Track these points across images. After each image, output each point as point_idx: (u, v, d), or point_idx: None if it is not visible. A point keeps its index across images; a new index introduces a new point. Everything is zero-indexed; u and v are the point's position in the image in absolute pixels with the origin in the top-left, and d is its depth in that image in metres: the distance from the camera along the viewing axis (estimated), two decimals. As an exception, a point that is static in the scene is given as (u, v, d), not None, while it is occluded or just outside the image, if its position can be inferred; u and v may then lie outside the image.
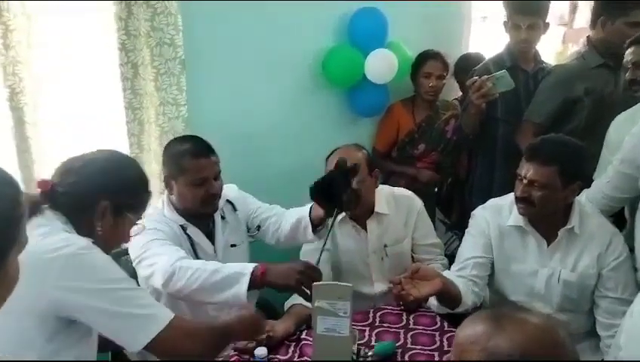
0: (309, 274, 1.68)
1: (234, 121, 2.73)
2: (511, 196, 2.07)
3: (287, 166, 2.96)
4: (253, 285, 1.69)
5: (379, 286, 2.34)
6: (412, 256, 2.40)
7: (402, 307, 2.12)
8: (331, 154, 2.26)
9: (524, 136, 2.59)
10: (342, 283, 1.64)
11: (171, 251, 1.82)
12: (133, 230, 1.55)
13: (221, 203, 2.09)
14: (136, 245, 1.87)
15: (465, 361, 0.98)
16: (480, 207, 2.19)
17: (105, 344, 1.50)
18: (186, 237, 2.00)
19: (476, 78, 2.51)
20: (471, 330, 1.00)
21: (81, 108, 2.41)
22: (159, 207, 2.04)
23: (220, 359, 1.86)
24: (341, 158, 1.90)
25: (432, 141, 3.07)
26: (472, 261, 2.08)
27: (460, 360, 1.00)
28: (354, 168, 1.87)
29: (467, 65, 3.01)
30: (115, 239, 1.48)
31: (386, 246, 2.32)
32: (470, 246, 2.12)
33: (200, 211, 2.00)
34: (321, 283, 1.62)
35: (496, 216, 2.11)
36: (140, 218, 1.59)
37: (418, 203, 2.40)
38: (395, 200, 2.36)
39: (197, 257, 1.98)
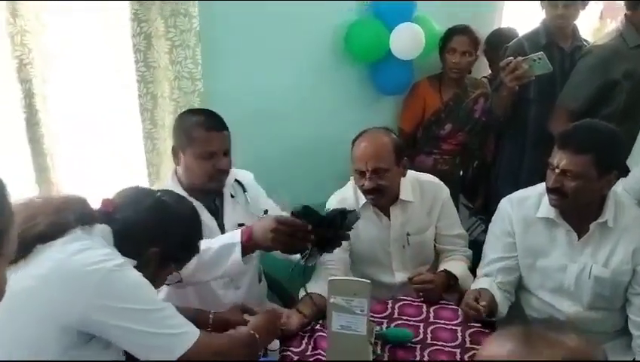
0: (283, 229, 1.60)
1: (252, 98, 2.64)
2: (541, 186, 1.96)
3: (307, 144, 2.88)
4: (245, 251, 1.66)
5: (399, 276, 2.25)
6: (435, 246, 2.32)
7: (422, 299, 2.05)
8: (358, 137, 2.15)
9: (558, 122, 2.43)
10: (359, 279, 1.54)
11: None
12: (169, 278, 1.53)
13: (229, 181, 2.03)
14: None
15: None
16: (506, 198, 2.07)
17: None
18: None
19: (511, 58, 2.36)
20: (498, 349, 0.91)
21: (91, 82, 2.33)
22: (167, 185, 1.95)
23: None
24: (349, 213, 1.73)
25: (459, 121, 2.93)
26: (497, 265, 2.03)
27: None
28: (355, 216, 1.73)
29: (499, 42, 2.85)
30: (150, 281, 1.42)
31: (408, 234, 2.22)
32: (493, 246, 2.06)
33: (205, 186, 1.94)
34: (337, 278, 1.53)
35: (522, 207, 2.00)
36: (180, 269, 1.57)
37: (444, 191, 2.29)
38: (420, 187, 2.25)
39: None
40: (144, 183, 2.49)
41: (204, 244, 1.68)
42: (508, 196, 2.07)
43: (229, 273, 1.73)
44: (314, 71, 2.80)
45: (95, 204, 1.44)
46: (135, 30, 2.21)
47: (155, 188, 1.93)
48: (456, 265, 2.19)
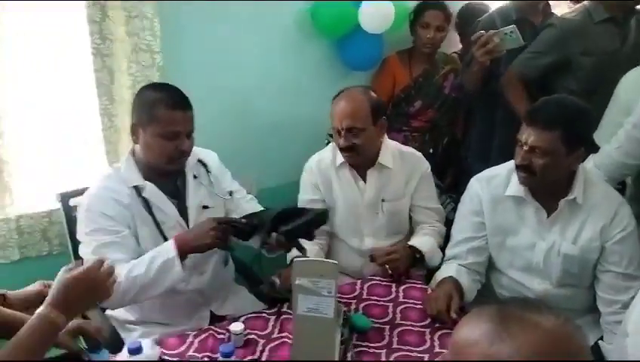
0: (223, 228, 1.71)
1: (216, 73, 2.54)
2: (510, 164, 1.93)
3: (275, 122, 2.83)
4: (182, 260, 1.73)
5: (369, 242, 2.23)
6: (410, 217, 2.30)
7: (391, 275, 2.03)
8: (337, 95, 2.14)
9: (508, 86, 2.43)
10: (326, 260, 1.49)
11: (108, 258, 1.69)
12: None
13: (192, 162, 1.94)
14: (81, 224, 1.82)
15: None
16: (475, 177, 2.05)
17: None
18: (140, 200, 1.83)
19: (482, 32, 2.31)
20: (471, 331, 0.86)
21: (44, 54, 2.21)
22: (119, 166, 1.88)
23: (194, 332, 1.74)
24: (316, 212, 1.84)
25: (429, 97, 2.89)
26: (466, 246, 2.00)
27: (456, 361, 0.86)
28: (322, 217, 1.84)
29: (470, 17, 2.81)
30: None
31: (383, 200, 2.20)
32: (462, 226, 2.04)
33: (164, 167, 1.83)
34: (302, 259, 1.47)
35: (491, 186, 1.97)
36: None
37: (425, 164, 2.28)
38: (401, 157, 2.24)
39: (154, 219, 1.84)
40: (102, 162, 2.38)
41: (139, 267, 1.71)
42: (476, 175, 2.04)
43: (173, 285, 1.76)
44: (280, 46, 2.72)
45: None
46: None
47: (112, 169, 1.86)
48: (425, 241, 2.17)
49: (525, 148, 1.78)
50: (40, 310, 1.16)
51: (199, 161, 1.98)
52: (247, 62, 2.64)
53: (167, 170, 1.85)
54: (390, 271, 2.02)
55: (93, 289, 1.24)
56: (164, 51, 2.26)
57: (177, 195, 1.91)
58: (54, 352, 1.40)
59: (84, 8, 2.11)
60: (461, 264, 1.99)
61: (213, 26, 2.49)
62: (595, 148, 2.18)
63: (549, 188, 1.86)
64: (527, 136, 1.77)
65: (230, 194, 2.06)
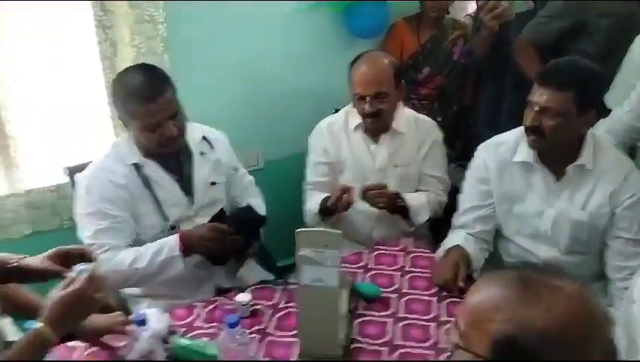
0: (218, 237, 1.79)
1: (220, 43, 2.51)
2: (518, 130, 1.90)
3: (282, 93, 2.80)
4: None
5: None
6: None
7: (400, 247, 2.04)
8: (357, 60, 2.12)
9: (521, 52, 2.38)
10: (329, 230, 1.47)
11: (104, 249, 1.76)
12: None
13: (197, 139, 1.93)
14: (80, 205, 1.82)
15: (488, 333, 0.79)
16: (482, 144, 2.02)
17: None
18: (139, 178, 1.82)
19: None
20: (492, 294, 0.82)
21: (48, 29, 2.20)
22: (119, 142, 1.87)
23: (202, 302, 1.76)
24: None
25: (437, 63, 2.83)
26: (473, 215, 1.99)
27: (471, 330, 0.82)
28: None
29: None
30: None
31: (396, 166, 2.20)
32: (469, 195, 2.03)
33: (159, 151, 1.82)
34: (305, 229, 1.46)
35: (498, 152, 1.94)
36: None
37: (438, 133, 2.27)
38: (415, 123, 2.23)
39: (154, 198, 1.83)
40: (110, 135, 2.39)
41: (144, 258, 1.76)
42: (484, 142, 2.01)
43: (174, 277, 1.82)
44: (285, 15, 2.67)
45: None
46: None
47: (111, 147, 1.87)
48: (415, 196, 2.17)
49: (536, 108, 1.74)
50: (36, 326, 1.20)
51: (204, 137, 1.96)
52: (252, 33, 2.60)
53: (165, 151, 1.83)
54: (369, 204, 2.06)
55: (85, 305, 1.26)
56: (168, 22, 2.23)
57: (180, 172, 1.90)
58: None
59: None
60: (469, 233, 1.97)
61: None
62: (605, 113, 2.14)
63: (557, 153, 1.82)
64: (539, 96, 1.73)
65: (235, 170, 2.08)
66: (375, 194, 2.04)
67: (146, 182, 1.82)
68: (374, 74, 2.04)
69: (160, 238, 1.82)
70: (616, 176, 1.82)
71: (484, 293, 0.84)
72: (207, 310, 1.73)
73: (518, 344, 0.77)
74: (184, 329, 1.65)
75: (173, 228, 1.85)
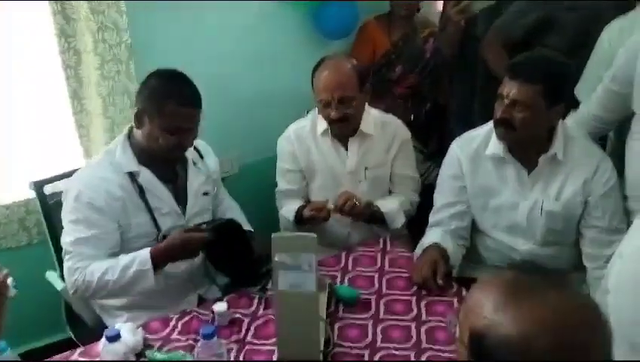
0: (191, 238, 1.73)
1: (187, 48, 2.46)
2: (488, 125, 1.91)
3: (252, 95, 2.76)
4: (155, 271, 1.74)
5: None
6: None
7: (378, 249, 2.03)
8: (318, 65, 2.09)
9: (490, 47, 2.37)
10: (304, 234, 1.44)
11: (82, 257, 1.74)
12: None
13: (191, 148, 1.90)
14: (66, 212, 1.78)
15: (469, 324, 0.86)
16: (455, 140, 2.02)
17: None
18: (134, 187, 1.79)
19: None
20: (482, 294, 0.87)
21: (8, 38, 2.13)
22: (112, 149, 1.81)
23: (177, 315, 1.72)
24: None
25: (410, 62, 2.82)
26: (448, 211, 1.99)
27: (462, 321, 0.89)
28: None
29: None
30: None
31: (366, 168, 2.19)
32: (443, 191, 2.03)
33: (164, 156, 1.80)
34: (280, 234, 1.44)
35: (470, 147, 1.95)
36: None
37: (406, 133, 2.26)
38: (382, 124, 2.21)
39: (148, 207, 1.80)
40: (76, 147, 2.32)
41: (115, 271, 1.71)
42: (456, 138, 2.02)
43: (141, 292, 1.79)
44: (253, 17, 2.64)
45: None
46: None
47: (104, 154, 1.83)
48: (388, 201, 2.17)
49: (506, 101, 1.75)
50: None
51: (195, 147, 1.94)
52: (221, 36, 2.57)
53: (166, 159, 1.82)
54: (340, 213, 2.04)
55: None
56: (132, 28, 2.18)
57: (174, 180, 1.88)
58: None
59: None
60: (445, 230, 1.96)
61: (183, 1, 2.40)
62: (575, 105, 2.14)
63: (528, 144, 1.83)
64: (509, 89, 1.74)
65: (223, 180, 2.08)
66: (348, 208, 2.02)
67: (141, 191, 1.79)
68: (338, 79, 2.01)
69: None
70: (587, 165, 1.84)
71: (478, 291, 0.89)
72: (182, 322, 1.69)
73: (484, 343, 0.82)
74: (160, 343, 1.60)
75: (164, 238, 1.80)
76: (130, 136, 1.83)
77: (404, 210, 2.19)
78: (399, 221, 2.15)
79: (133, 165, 1.79)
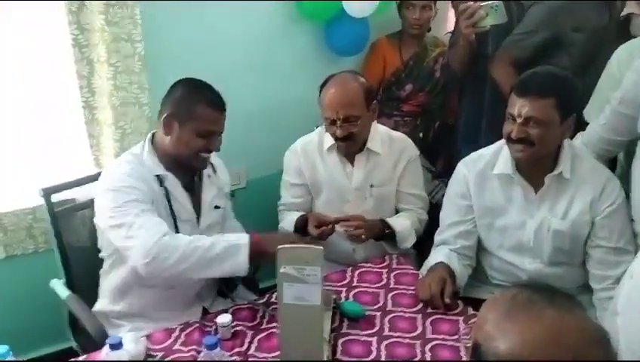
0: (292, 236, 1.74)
1: (199, 61, 2.48)
2: (497, 144, 1.92)
3: (262, 109, 2.78)
4: (250, 255, 1.66)
5: None
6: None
7: (384, 264, 2.02)
8: (326, 82, 2.09)
9: (499, 66, 2.36)
10: (311, 246, 1.44)
11: (153, 224, 1.67)
12: None
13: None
14: (108, 202, 1.71)
15: (474, 338, 0.88)
16: (462, 160, 2.02)
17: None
18: (162, 190, 1.81)
19: (470, 3, 2.26)
20: (487, 309, 0.89)
21: (23, 48, 2.16)
22: (137, 153, 1.84)
23: (180, 326, 1.71)
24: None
25: (420, 81, 2.84)
26: (455, 230, 1.98)
27: (472, 337, 0.90)
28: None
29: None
30: None
31: (372, 186, 2.18)
32: (450, 211, 2.02)
33: (190, 163, 1.83)
34: (286, 246, 1.42)
35: (477, 167, 1.94)
36: None
37: (413, 151, 2.25)
38: (390, 141, 2.21)
39: (172, 212, 1.82)
40: (87, 157, 2.34)
41: (207, 240, 1.67)
42: (463, 159, 2.02)
43: (231, 273, 1.71)
44: (265, 32, 2.66)
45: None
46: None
47: (129, 155, 1.84)
48: (400, 220, 2.16)
49: (519, 120, 1.74)
50: None
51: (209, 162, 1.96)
52: (232, 50, 2.59)
53: (191, 166, 1.85)
54: (349, 237, 2.03)
55: None
56: (146, 40, 2.21)
57: (192, 190, 1.91)
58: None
59: (62, -1, 2.06)
60: (451, 249, 1.95)
61: (196, 13, 2.43)
62: (583, 127, 2.14)
63: (536, 163, 1.83)
64: (521, 107, 1.73)
65: (232, 195, 2.09)
66: (353, 227, 2.01)
67: (167, 195, 1.81)
68: (343, 97, 2.01)
69: None
70: (594, 184, 1.83)
71: (486, 305, 0.91)
72: (185, 333, 1.68)
73: (479, 352, 0.84)
74: (162, 354, 1.59)
75: None
76: (152, 142, 1.85)
77: (414, 229, 2.18)
78: (411, 240, 2.15)
79: (160, 169, 1.82)
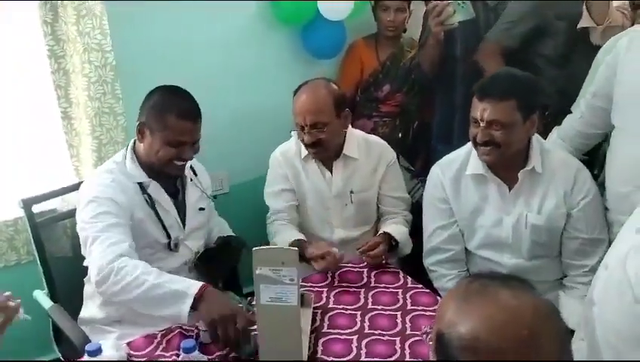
0: (230, 326, 1.52)
1: (171, 66, 2.47)
2: (467, 146, 1.95)
3: (240, 115, 2.79)
4: (193, 306, 1.56)
5: (339, 233, 2.22)
6: (377, 207, 2.29)
7: (364, 264, 2.02)
8: (298, 89, 2.11)
9: (489, 56, 2.39)
10: (286, 248, 1.46)
11: (112, 243, 1.66)
12: None
13: (188, 165, 1.95)
14: (82, 214, 1.74)
15: (436, 329, 0.90)
16: (435, 164, 2.06)
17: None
18: (145, 197, 1.83)
19: (437, 2, 2.29)
20: (445, 300, 0.92)
21: (2, 60, 2.17)
22: (119, 161, 1.85)
23: (162, 331, 1.71)
24: (232, 239, 1.97)
25: (398, 81, 2.86)
26: (441, 236, 2.01)
27: (434, 329, 0.92)
28: (238, 250, 1.90)
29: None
30: None
31: (352, 192, 2.18)
32: (432, 216, 2.05)
33: (163, 170, 1.85)
34: (261, 248, 1.44)
35: (451, 170, 1.98)
36: None
37: (391, 154, 2.26)
38: (366, 146, 2.22)
39: (158, 218, 1.84)
40: (68, 167, 2.34)
41: (157, 277, 1.60)
42: (437, 162, 2.05)
43: (168, 318, 1.63)
44: (241, 37, 2.67)
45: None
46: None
47: (112, 163, 1.86)
48: (398, 230, 2.16)
49: (482, 124, 1.78)
50: None
51: (190, 166, 1.98)
52: (208, 56, 2.60)
53: (165, 173, 1.86)
54: (383, 261, 2.02)
55: None
56: (117, 49, 2.21)
57: (176, 195, 1.93)
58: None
59: (37, 8, 2.06)
60: (444, 257, 2.00)
61: (169, 20, 2.43)
62: (560, 122, 2.17)
63: (507, 161, 1.86)
64: (482, 111, 1.77)
65: (215, 198, 2.10)
66: (373, 256, 1.99)
67: (151, 202, 1.83)
68: (311, 104, 2.03)
69: (160, 258, 1.84)
70: (565, 176, 1.87)
71: (444, 298, 0.95)
72: (167, 338, 1.68)
73: (443, 341, 0.85)
74: (144, 360, 1.60)
75: (176, 246, 1.88)
76: (134, 150, 1.87)
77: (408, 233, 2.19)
78: (409, 247, 2.16)
79: (143, 176, 1.83)
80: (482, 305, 0.85)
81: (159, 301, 1.58)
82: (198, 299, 1.55)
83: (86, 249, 1.73)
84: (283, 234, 2.11)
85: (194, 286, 1.58)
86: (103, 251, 1.64)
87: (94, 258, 1.66)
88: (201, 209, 1.99)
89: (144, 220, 1.82)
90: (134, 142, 1.88)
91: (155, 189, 1.85)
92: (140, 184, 1.83)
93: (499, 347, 0.80)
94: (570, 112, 2.13)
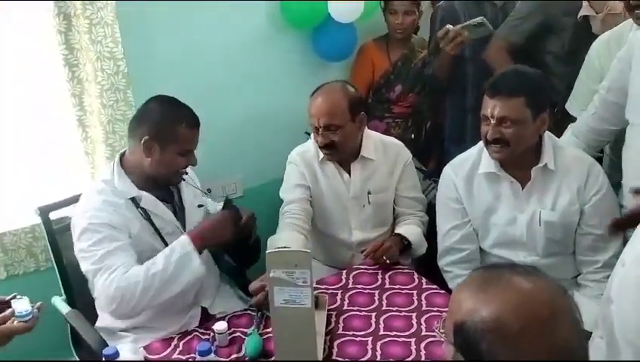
0: (239, 221, 1.80)
1: (186, 75, 2.50)
2: (478, 146, 1.95)
3: (252, 119, 2.79)
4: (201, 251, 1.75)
5: (357, 235, 2.22)
6: (394, 208, 2.28)
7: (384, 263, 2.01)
8: (315, 91, 2.13)
9: (497, 53, 2.40)
10: (299, 250, 1.47)
11: (113, 270, 1.68)
12: None
13: None
14: (80, 244, 1.76)
15: (452, 321, 0.91)
16: (448, 164, 2.05)
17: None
18: (139, 211, 1.82)
19: (448, 27, 2.32)
20: (458, 292, 0.94)
21: (19, 68, 2.20)
22: (108, 179, 1.84)
23: (178, 335, 1.73)
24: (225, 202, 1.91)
25: (409, 81, 2.86)
26: (455, 236, 2.00)
27: (448, 322, 0.93)
28: (245, 228, 1.89)
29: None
30: None
31: (369, 193, 2.19)
32: (445, 216, 2.04)
33: (169, 180, 1.88)
34: (274, 250, 1.45)
35: (463, 169, 1.98)
36: None
37: (407, 154, 2.27)
38: (383, 147, 2.23)
39: (154, 227, 1.83)
40: (82, 174, 2.37)
41: (156, 265, 1.70)
42: (449, 162, 2.05)
43: (194, 281, 1.76)
44: (252, 41, 2.68)
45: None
46: (54, 11, 2.09)
47: (101, 183, 1.85)
48: (412, 230, 2.16)
49: (493, 121, 1.78)
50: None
51: None
52: (219, 61, 2.61)
53: (169, 182, 1.89)
54: (387, 261, 2.00)
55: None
56: (129, 57, 2.23)
57: (171, 199, 1.94)
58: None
59: (52, 18, 2.10)
60: (458, 257, 1.99)
61: (180, 25, 2.45)
62: (572, 119, 2.16)
63: (519, 158, 1.85)
64: (493, 108, 1.77)
65: (209, 191, 2.12)
66: (380, 255, 2.01)
67: (146, 214, 1.83)
68: (325, 106, 2.04)
69: None
70: (578, 172, 1.86)
71: (456, 291, 0.95)
72: (184, 341, 1.70)
73: (464, 329, 0.87)
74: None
75: None
76: (121, 164, 1.85)
77: (423, 234, 2.19)
78: (424, 247, 2.16)
79: (133, 191, 1.82)
80: (499, 290, 0.87)
81: (175, 276, 1.70)
82: (199, 245, 1.74)
83: (89, 282, 1.75)
84: (283, 233, 2.10)
85: (185, 244, 1.73)
86: (106, 280, 1.67)
87: (100, 291, 1.69)
88: (200, 206, 1.99)
89: (141, 233, 1.81)
90: (121, 156, 1.86)
91: (148, 200, 1.84)
92: (132, 199, 1.82)
93: (521, 327, 0.83)
94: (567, 111, 2.13)
